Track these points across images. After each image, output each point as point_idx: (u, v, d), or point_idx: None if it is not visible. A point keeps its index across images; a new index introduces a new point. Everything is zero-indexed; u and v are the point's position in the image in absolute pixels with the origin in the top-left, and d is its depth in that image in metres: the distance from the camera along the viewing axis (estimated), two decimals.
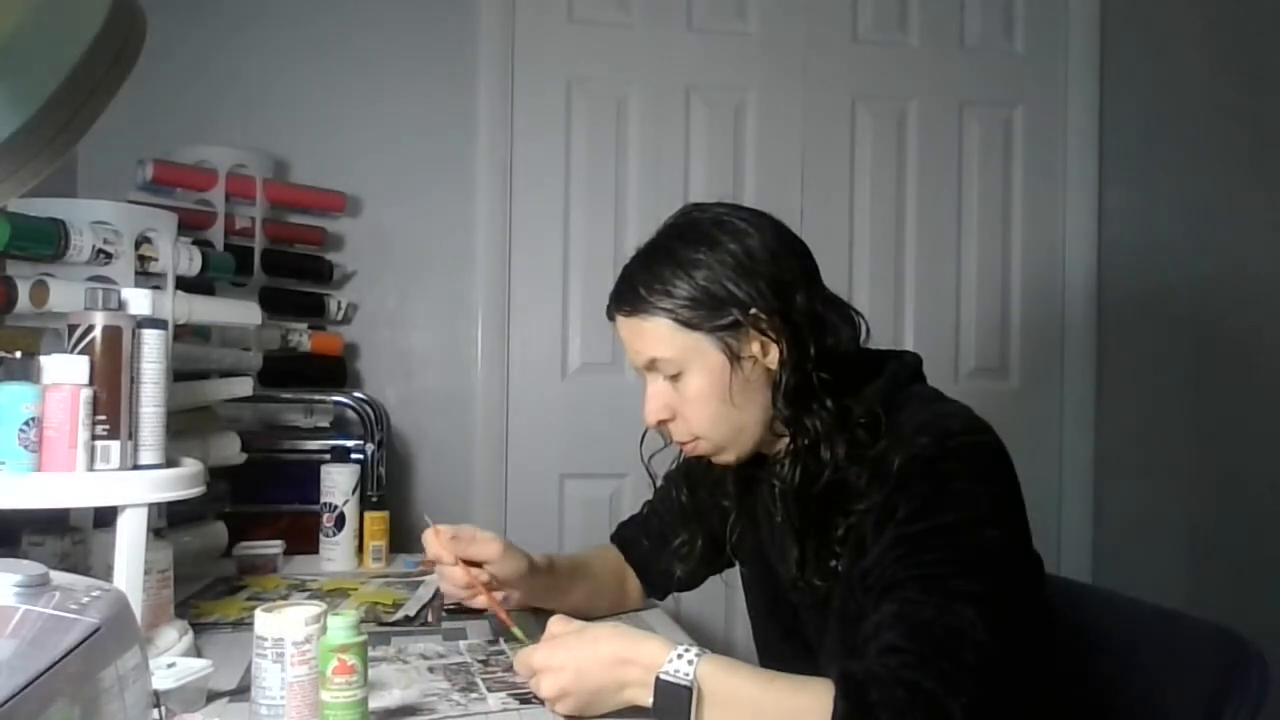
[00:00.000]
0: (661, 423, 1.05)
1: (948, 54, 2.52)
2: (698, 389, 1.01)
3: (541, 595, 1.17)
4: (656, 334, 1.01)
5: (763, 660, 1.19)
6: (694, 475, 1.19)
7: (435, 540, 1.09)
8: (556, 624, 0.94)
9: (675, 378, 1.02)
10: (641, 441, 1.14)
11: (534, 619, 1.12)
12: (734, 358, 0.99)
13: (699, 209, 1.05)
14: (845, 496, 0.97)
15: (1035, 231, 2.54)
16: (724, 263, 0.98)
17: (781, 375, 0.99)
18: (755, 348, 0.99)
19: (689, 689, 0.82)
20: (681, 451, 1.18)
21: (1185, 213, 2.56)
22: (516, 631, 1.08)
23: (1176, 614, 1.11)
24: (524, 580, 1.14)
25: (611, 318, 1.07)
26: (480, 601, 1.10)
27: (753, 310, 0.98)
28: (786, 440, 1.01)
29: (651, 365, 1.03)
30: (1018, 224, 2.54)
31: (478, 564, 1.10)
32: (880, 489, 0.93)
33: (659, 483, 1.25)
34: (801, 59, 2.44)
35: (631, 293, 1.02)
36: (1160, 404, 2.54)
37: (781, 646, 1.15)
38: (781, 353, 0.99)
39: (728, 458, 1.06)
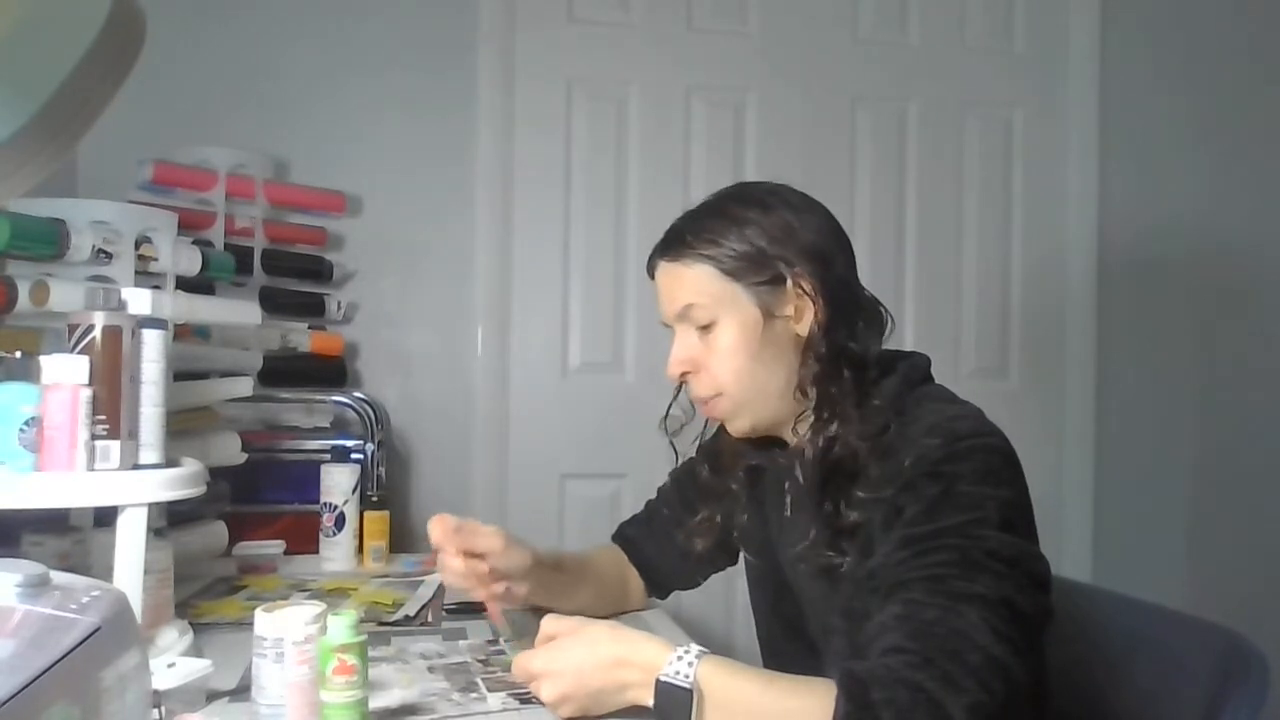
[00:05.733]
0: (683, 375, 1.06)
1: (948, 54, 2.52)
2: (727, 341, 1.02)
3: (548, 592, 1.17)
4: (696, 280, 1.02)
5: (766, 659, 1.19)
6: (712, 455, 1.19)
7: (439, 528, 1.09)
8: (551, 623, 0.93)
9: (706, 329, 1.03)
10: (665, 415, 1.13)
11: (535, 618, 1.12)
12: (768, 315, 1.01)
13: (752, 183, 1.09)
14: (857, 479, 0.97)
15: (1035, 231, 2.54)
16: (775, 224, 1.01)
17: (813, 337, 1.00)
18: (790, 309, 1.01)
19: (689, 691, 0.82)
20: (698, 439, 1.18)
21: (1185, 212, 2.56)
22: (505, 631, 1.07)
23: (1176, 614, 1.11)
24: (529, 574, 1.13)
25: (651, 270, 1.08)
26: (478, 595, 1.10)
27: (796, 269, 1.00)
28: (806, 414, 1.02)
29: (684, 314, 1.04)
30: (1018, 224, 2.54)
31: (480, 556, 1.10)
32: (889, 486, 0.93)
33: (677, 462, 1.24)
34: (801, 59, 2.44)
35: (678, 240, 1.04)
36: (1160, 404, 2.55)
37: (785, 645, 1.15)
38: (816, 314, 1.00)
39: (744, 422, 1.06)
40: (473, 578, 1.09)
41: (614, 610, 1.28)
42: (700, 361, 1.04)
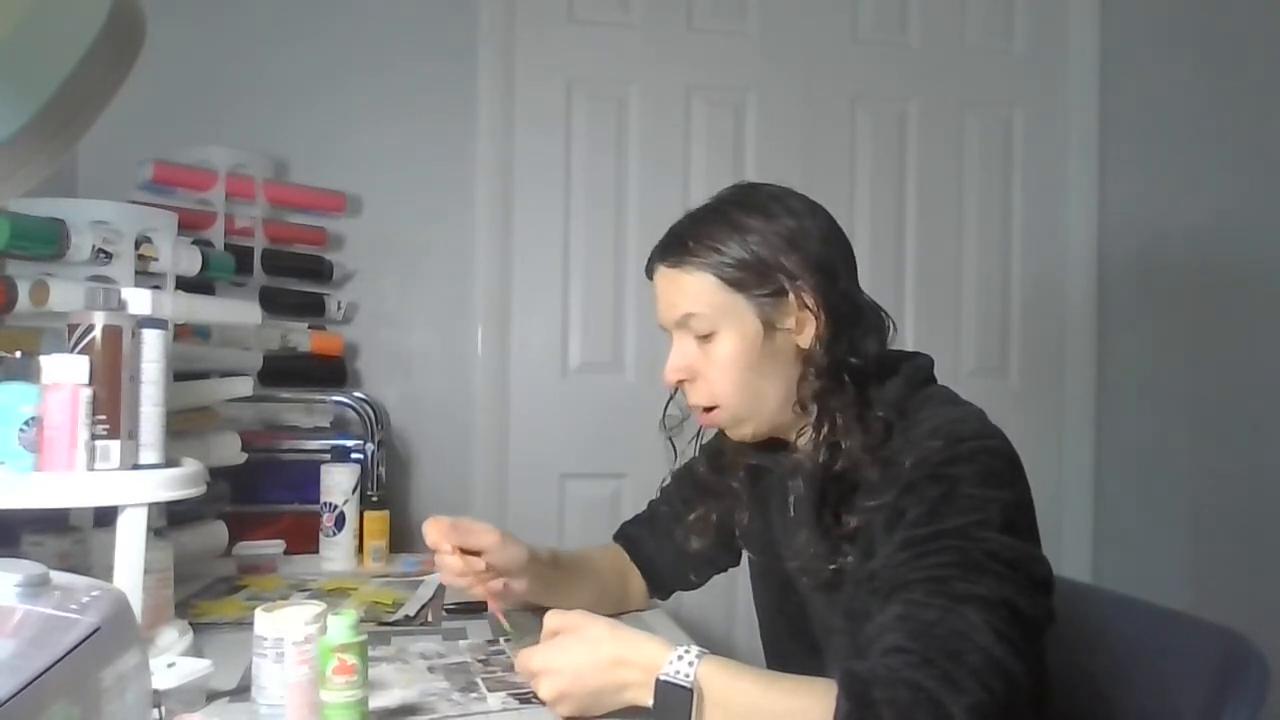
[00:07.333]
0: (680, 383, 1.05)
1: (948, 54, 2.52)
2: (727, 352, 1.01)
3: (546, 588, 1.17)
4: (697, 289, 1.01)
5: (769, 657, 1.19)
6: (714, 455, 1.19)
7: (434, 529, 1.09)
8: (553, 618, 0.93)
9: (706, 338, 1.02)
10: (664, 411, 1.13)
11: (535, 619, 1.12)
12: (769, 327, 1.00)
13: (755, 186, 1.07)
14: (858, 488, 0.97)
15: (1035, 232, 2.54)
16: (778, 233, 1.00)
17: (814, 351, 0.99)
18: (791, 321, 1.00)
19: (689, 691, 0.81)
20: (696, 439, 1.18)
21: (1186, 212, 2.56)
22: (506, 625, 1.08)
23: (1176, 614, 1.11)
24: (526, 570, 1.14)
25: (650, 273, 1.07)
26: (477, 592, 1.11)
27: (798, 282, 0.98)
28: (806, 426, 1.02)
29: (683, 322, 1.03)
30: (1018, 224, 2.54)
31: (476, 554, 1.11)
32: (890, 489, 0.93)
33: (675, 461, 1.23)
34: (801, 59, 2.44)
35: (679, 245, 1.02)
36: (1160, 403, 2.55)
37: (788, 644, 1.15)
38: (818, 327, 0.99)
39: (744, 430, 1.06)
40: (471, 575, 1.09)
41: (615, 610, 1.27)
42: (698, 370, 1.03)
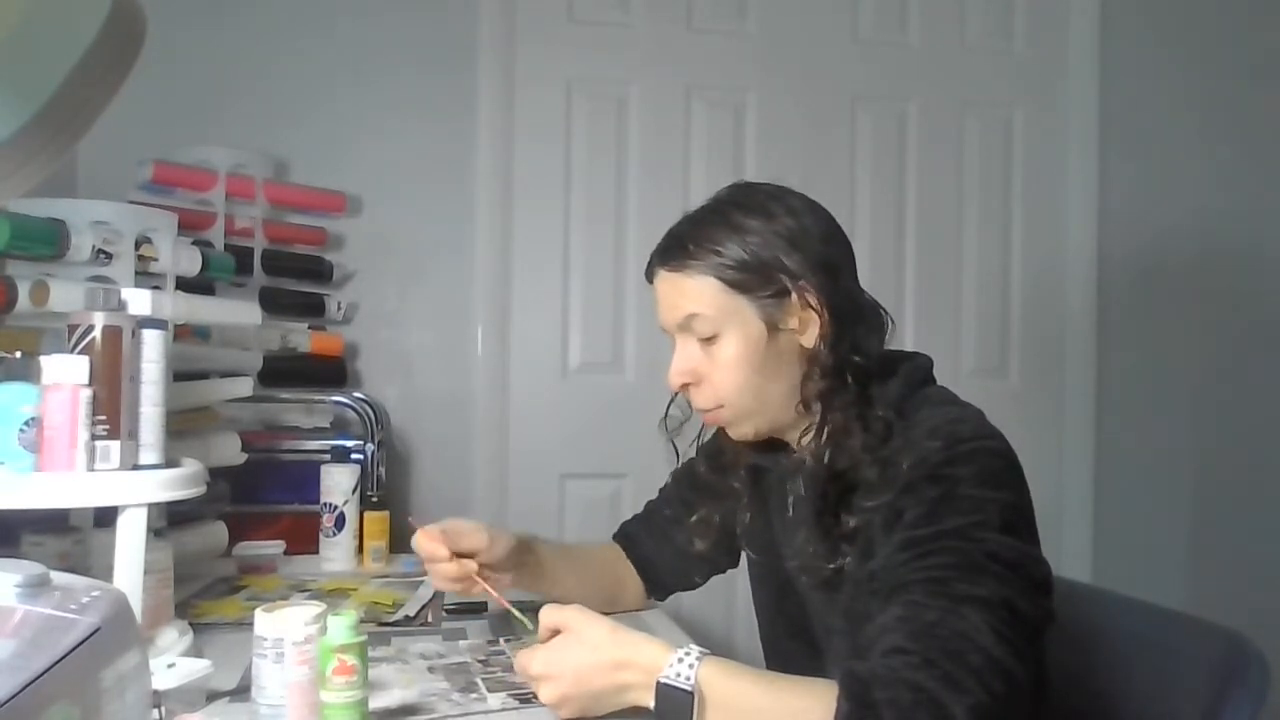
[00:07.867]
0: (684, 386, 1.05)
1: (948, 54, 2.52)
2: (731, 354, 1.01)
3: (531, 576, 1.19)
4: (700, 292, 1.00)
5: (768, 657, 1.19)
6: (714, 455, 1.19)
7: (426, 540, 1.10)
8: (549, 614, 0.92)
9: (709, 340, 1.02)
10: (666, 413, 1.13)
11: (533, 619, 1.12)
12: (773, 328, 1.00)
13: (752, 185, 1.06)
14: (857, 488, 0.97)
15: (1035, 231, 2.54)
16: (778, 233, 0.99)
17: (818, 350, 0.99)
18: (794, 321, 1.00)
19: (690, 694, 0.81)
20: (697, 440, 1.18)
21: (1185, 212, 2.56)
22: (520, 616, 1.08)
23: (1176, 614, 1.11)
24: (511, 558, 1.15)
25: (650, 276, 1.06)
26: (477, 591, 1.12)
27: (801, 282, 0.98)
28: (809, 426, 1.01)
29: (686, 325, 1.02)
30: (1018, 224, 2.54)
31: (468, 555, 1.12)
32: (889, 489, 0.93)
33: (677, 462, 1.23)
34: (801, 59, 2.44)
35: (679, 248, 1.02)
36: (1160, 403, 2.54)
37: (788, 644, 1.15)
38: (821, 327, 0.99)
39: (747, 430, 1.06)
40: (467, 579, 1.10)
41: (607, 607, 1.26)
42: (702, 373, 1.03)
